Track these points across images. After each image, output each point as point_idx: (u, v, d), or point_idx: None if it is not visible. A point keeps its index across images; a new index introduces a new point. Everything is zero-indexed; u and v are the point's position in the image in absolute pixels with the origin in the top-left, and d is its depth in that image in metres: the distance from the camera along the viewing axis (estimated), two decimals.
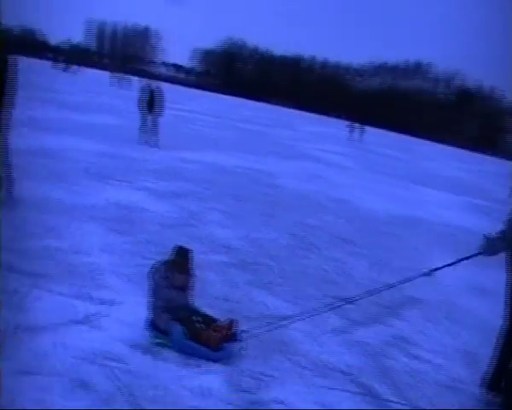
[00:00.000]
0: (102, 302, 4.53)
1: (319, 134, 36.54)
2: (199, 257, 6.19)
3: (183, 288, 4.32)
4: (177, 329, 3.99)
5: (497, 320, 6.30)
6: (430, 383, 4.31)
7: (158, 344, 4.01)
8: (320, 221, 9.58)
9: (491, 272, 8.56)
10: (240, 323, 4.43)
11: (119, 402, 3.23)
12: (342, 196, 12.69)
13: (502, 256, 10.10)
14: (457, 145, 69.93)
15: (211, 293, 5.23)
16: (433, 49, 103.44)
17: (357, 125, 34.14)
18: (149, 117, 15.40)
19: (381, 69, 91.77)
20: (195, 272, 5.64)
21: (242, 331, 4.23)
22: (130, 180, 9.73)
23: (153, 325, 4.12)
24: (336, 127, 47.94)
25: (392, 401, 3.89)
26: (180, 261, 4.30)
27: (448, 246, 9.85)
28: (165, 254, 6.06)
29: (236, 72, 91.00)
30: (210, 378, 3.67)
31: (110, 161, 11.29)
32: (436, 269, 4.48)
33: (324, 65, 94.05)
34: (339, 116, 68.79)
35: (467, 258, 4.28)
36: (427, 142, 68.50)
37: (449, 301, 6.67)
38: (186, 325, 4.02)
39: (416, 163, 30.68)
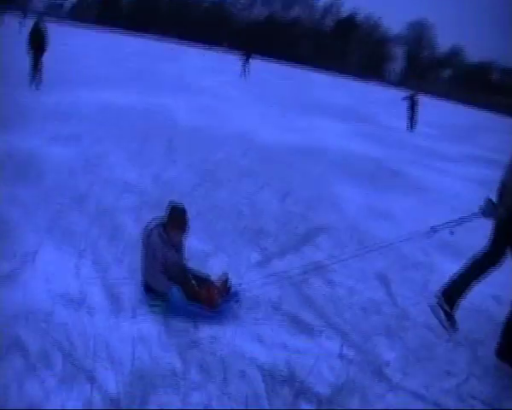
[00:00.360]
0: (22, 258, 4.29)
1: (207, 68, 35.88)
2: (109, 201, 6.04)
3: (179, 246, 4.20)
4: (177, 292, 3.88)
5: (395, 239, 6.72)
6: (350, 307, 4.55)
7: (154, 306, 3.90)
8: (223, 156, 9.56)
9: (386, 195, 9.15)
10: None
11: (56, 361, 3.13)
12: (239, 130, 12.67)
13: (379, 178, 10.61)
14: (342, 73, 71.81)
15: (128, 238, 5.11)
16: None
17: (244, 56, 33.85)
18: (38, 57, 14.17)
19: None
20: (107, 217, 5.51)
21: (237, 285, 4.25)
22: (26, 126, 9.08)
23: (149, 288, 3.99)
24: (222, 60, 47.35)
25: (319, 328, 4.08)
26: (177, 219, 4.10)
27: (350, 173, 10.33)
28: (76, 201, 5.85)
29: (115, 4, 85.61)
30: (146, 326, 3.64)
31: (1, 108, 10.39)
32: (436, 229, 4.60)
33: None
34: (222, 48, 67.77)
35: (467, 218, 4.39)
36: (313, 71, 69.74)
37: (355, 227, 7.00)
38: (184, 287, 3.93)
39: (305, 93, 31.20)
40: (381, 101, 40.20)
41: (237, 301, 4.12)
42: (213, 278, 4.19)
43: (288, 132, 13.70)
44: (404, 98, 22.07)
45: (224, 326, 3.82)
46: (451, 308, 4.38)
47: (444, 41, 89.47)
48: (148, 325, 3.64)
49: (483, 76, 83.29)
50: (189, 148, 9.69)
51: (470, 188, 11.71)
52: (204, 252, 5.14)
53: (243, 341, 3.69)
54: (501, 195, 4.12)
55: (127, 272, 4.37)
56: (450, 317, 4.37)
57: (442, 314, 4.37)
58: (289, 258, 5.42)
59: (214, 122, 13.03)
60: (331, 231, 6.63)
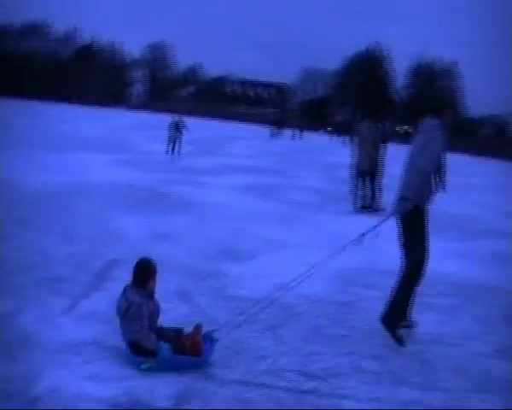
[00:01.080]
0: None
1: None
2: None
3: (153, 292, 4.35)
4: (165, 347, 3.98)
5: (185, 256, 7.34)
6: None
7: (145, 367, 3.94)
8: None
9: (163, 218, 9.74)
10: None
11: None
12: (2, 179, 11.92)
13: (152, 202, 11.30)
14: (86, 103, 70.71)
15: None
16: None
17: None
18: None
19: None
20: None
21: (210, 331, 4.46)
22: None
23: (137, 350, 4.01)
24: None
25: None
26: (151, 268, 4.37)
27: (125, 203, 10.70)
28: None
29: None
30: None
31: None
32: (364, 234, 5.00)
33: None
34: None
35: (386, 219, 4.98)
36: (56, 103, 67.29)
37: (144, 254, 7.34)
38: (168, 341, 4.06)
39: (51, 128, 30.07)
40: (131, 126, 40.78)
41: (213, 347, 4.36)
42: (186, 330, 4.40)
43: (52, 174, 13.40)
44: (170, 124, 22.23)
45: (59, 375, 3.91)
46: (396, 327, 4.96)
47: (183, 59, 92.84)
48: None
49: (221, 89, 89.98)
50: None
51: (233, 195, 13.01)
52: (8, 312, 4.98)
53: (81, 384, 3.82)
54: (403, 193, 4.87)
55: None
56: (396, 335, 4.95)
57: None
58: (96, 297, 5.58)
59: None
60: (123, 262, 6.88)
